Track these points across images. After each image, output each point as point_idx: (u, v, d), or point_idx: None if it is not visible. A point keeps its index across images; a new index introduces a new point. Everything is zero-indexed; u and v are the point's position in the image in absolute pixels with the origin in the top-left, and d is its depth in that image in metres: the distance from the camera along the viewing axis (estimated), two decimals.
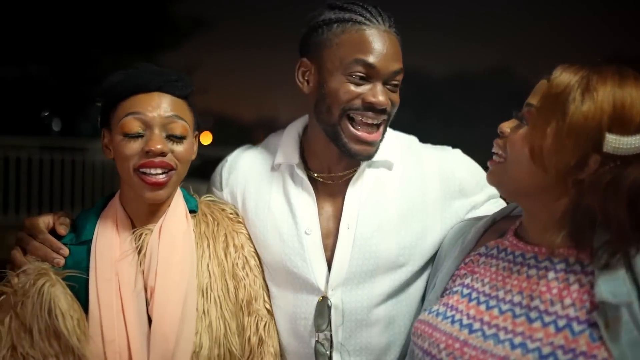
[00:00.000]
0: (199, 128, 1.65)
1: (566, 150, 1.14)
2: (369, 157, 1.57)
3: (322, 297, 1.56)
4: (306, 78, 1.61)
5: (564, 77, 1.15)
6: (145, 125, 1.49)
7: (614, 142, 1.10)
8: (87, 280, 1.50)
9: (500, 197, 1.64)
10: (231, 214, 1.72)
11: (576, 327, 1.10)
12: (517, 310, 1.19)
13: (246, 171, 1.73)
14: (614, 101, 1.11)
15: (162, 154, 1.48)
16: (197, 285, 1.56)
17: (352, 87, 1.50)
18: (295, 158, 1.66)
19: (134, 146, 1.49)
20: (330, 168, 1.65)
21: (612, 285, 1.08)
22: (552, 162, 1.16)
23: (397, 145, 1.68)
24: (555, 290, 1.16)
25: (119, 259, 1.53)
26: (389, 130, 1.69)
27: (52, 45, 11.54)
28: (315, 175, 1.66)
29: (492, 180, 1.31)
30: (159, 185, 1.50)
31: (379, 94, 1.49)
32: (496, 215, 1.44)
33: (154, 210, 1.59)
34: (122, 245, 1.56)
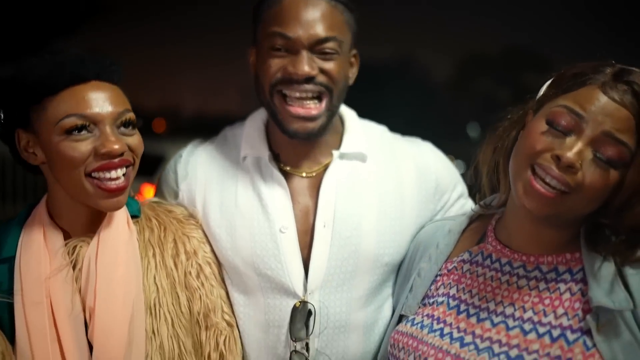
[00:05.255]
0: None
1: None
2: (311, 134, 1.47)
3: (300, 301, 1.45)
4: (253, 64, 1.54)
5: None
6: (93, 123, 1.28)
7: None
8: (10, 305, 1.30)
9: (469, 195, 1.62)
10: (181, 215, 1.54)
11: (570, 336, 1.10)
12: (511, 322, 1.17)
13: (206, 167, 1.59)
14: None
15: (121, 154, 1.29)
16: (144, 301, 1.37)
17: (275, 60, 1.44)
18: (264, 150, 1.55)
19: (82, 148, 1.27)
20: (299, 161, 1.55)
21: (607, 291, 1.08)
22: (637, 208, 1.09)
23: (368, 136, 1.60)
24: (547, 301, 1.15)
25: (49, 276, 1.31)
26: (359, 119, 1.62)
27: None
28: (288, 168, 1.55)
29: (547, 210, 1.11)
30: (121, 191, 1.30)
31: (298, 63, 1.41)
32: (472, 214, 1.39)
33: (92, 219, 1.38)
34: (53, 260, 1.34)
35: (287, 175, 1.54)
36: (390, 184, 1.55)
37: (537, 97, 1.21)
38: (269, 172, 1.53)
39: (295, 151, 1.55)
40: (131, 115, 1.33)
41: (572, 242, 1.18)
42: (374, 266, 1.49)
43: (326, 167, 1.54)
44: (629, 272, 1.11)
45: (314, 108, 1.45)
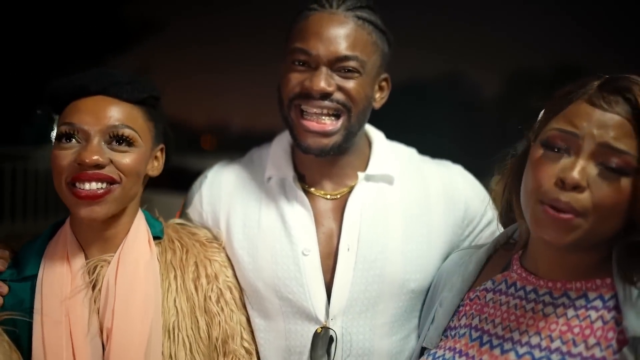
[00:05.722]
0: (166, 140, 1.46)
1: None
2: (324, 151, 1.44)
3: (322, 327, 1.41)
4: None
5: None
6: (81, 133, 1.30)
7: None
8: (30, 324, 1.30)
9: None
10: (204, 237, 1.52)
11: None
12: (537, 353, 1.09)
13: (230, 187, 1.58)
14: None
15: (98, 166, 1.28)
16: (163, 324, 1.36)
17: (295, 75, 1.43)
18: (289, 170, 1.53)
19: (66, 156, 1.29)
20: (323, 182, 1.53)
21: None
22: None
23: (396, 158, 1.57)
24: (577, 329, 1.07)
25: (69, 296, 1.31)
26: (387, 141, 1.59)
27: None
28: (312, 189, 1.52)
29: (565, 238, 1.05)
30: (94, 199, 1.28)
31: (315, 78, 1.40)
32: (498, 240, 1.32)
33: (110, 238, 1.38)
34: (74, 280, 1.34)
35: (311, 197, 1.51)
36: (418, 208, 1.50)
37: (534, 127, 1.16)
38: (293, 193, 1.51)
39: (320, 172, 1.52)
40: (126, 131, 1.32)
41: (602, 266, 1.11)
42: (400, 292, 1.44)
43: (351, 189, 1.50)
44: None
45: (329, 124, 1.43)
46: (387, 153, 1.55)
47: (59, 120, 1.33)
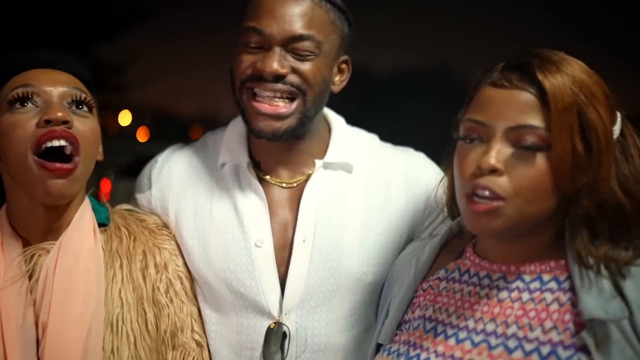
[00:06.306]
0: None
1: (606, 158, 1.01)
2: (276, 135, 1.37)
3: (275, 322, 1.35)
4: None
5: (555, 83, 1.01)
6: (38, 95, 1.24)
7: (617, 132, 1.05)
8: None
9: None
10: (154, 224, 1.44)
11: (562, 354, 0.99)
12: (493, 341, 1.05)
13: (181, 173, 1.50)
14: (604, 90, 1.04)
15: (65, 122, 1.21)
16: (105, 317, 1.28)
17: (248, 56, 1.36)
18: (243, 156, 1.45)
19: (26, 120, 1.22)
20: (279, 169, 1.45)
21: (600, 301, 0.98)
22: (580, 180, 1.01)
23: (355, 145, 1.49)
24: (532, 313, 1.05)
25: (2, 287, 1.23)
26: (348, 127, 1.51)
27: None
28: (267, 177, 1.44)
29: (495, 227, 1.03)
30: (64, 173, 1.21)
31: (267, 59, 1.32)
32: (451, 229, 1.26)
33: (52, 225, 1.30)
34: (8, 270, 1.25)
35: (266, 185, 1.43)
36: (377, 198, 1.44)
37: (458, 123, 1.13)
38: (246, 180, 1.43)
39: (276, 159, 1.44)
40: (84, 95, 1.28)
41: (556, 246, 1.08)
42: (357, 285, 1.38)
43: (309, 177, 1.43)
44: (622, 275, 1.01)
45: (282, 107, 1.35)
46: (346, 140, 1.48)
47: (6, 87, 1.26)
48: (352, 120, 1.60)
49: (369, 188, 1.44)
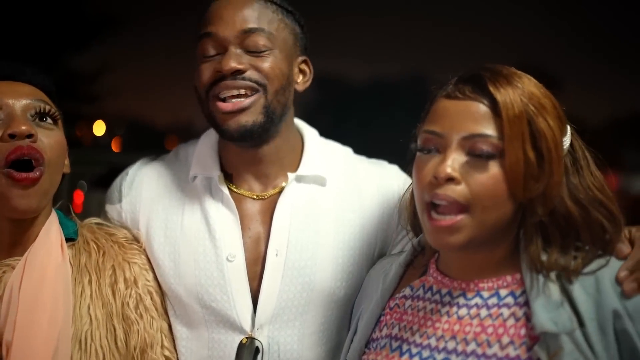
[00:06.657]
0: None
1: (556, 166, 1.05)
2: (244, 130, 1.36)
3: (247, 337, 1.34)
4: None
5: (506, 93, 1.04)
6: (3, 112, 1.23)
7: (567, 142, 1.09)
8: None
9: None
10: (124, 238, 1.41)
11: None
12: (454, 359, 1.07)
13: (152, 186, 1.48)
14: (552, 102, 1.08)
15: (30, 136, 1.20)
16: (74, 334, 1.25)
17: (207, 65, 1.38)
18: (215, 169, 1.44)
19: None
20: (251, 182, 1.45)
21: (551, 314, 1.00)
22: (534, 188, 1.04)
23: (329, 158, 1.48)
24: (490, 329, 1.06)
25: None
26: (321, 140, 1.52)
27: None
28: (240, 190, 1.43)
29: (456, 241, 1.05)
30: (30, 182, 1.20)
31: (225, 60, 1.34)
32: (415, 246, 1.26)
33: (18, 239, 1.27)
34: None
35: (238, 198, 1.42)
36: (351, 211, 1.43)
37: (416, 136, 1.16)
38: (218, 194, 1.41)
39: (248, 170, 1.43)
40: (48, 107, 1.26)
41: (512, 260, 1.10)
42: (330, 300, 1.37)
43: (281, 190, 1.42)
44: (574, 286, 1.03)
45: (245, 100, 1.35)
46: (320, 152, 1.48)
47: None
48: (327, 132, 1.60)
49: (343, 201, 1.44)
